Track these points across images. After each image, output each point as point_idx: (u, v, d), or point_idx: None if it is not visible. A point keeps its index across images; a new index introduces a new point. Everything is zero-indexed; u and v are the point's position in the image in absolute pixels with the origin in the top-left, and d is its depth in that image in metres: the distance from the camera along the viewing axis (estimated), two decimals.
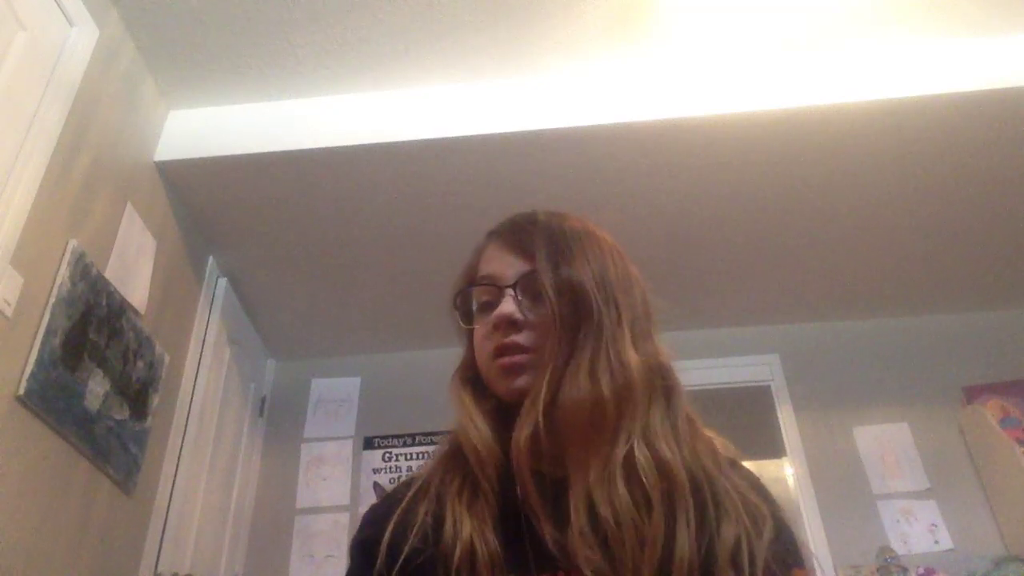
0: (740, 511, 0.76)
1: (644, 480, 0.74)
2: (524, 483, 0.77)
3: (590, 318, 0.83)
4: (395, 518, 0.82)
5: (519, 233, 0.92)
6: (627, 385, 0.79)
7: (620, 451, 0.76)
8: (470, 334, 0.92)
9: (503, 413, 0.85)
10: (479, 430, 0.83)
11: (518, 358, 0.84)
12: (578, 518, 0.73)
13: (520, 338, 0.84)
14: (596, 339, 0.82)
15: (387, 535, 0.80)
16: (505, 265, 0.89)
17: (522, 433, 0.78)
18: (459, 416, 0.87)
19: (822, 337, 3.47)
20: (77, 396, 1.96)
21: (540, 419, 0.78)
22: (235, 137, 2.55)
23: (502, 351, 0.84)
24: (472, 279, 0.94)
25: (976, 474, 3.05)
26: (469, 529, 0.76)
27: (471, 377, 0.90)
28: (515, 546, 0.76)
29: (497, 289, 0.88)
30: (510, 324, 0.84)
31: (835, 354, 3.42)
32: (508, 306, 0.85)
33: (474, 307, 0.92)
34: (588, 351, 0.81)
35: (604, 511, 0.72)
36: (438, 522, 0.79)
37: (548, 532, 0.74)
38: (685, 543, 0.71)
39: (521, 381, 0.83)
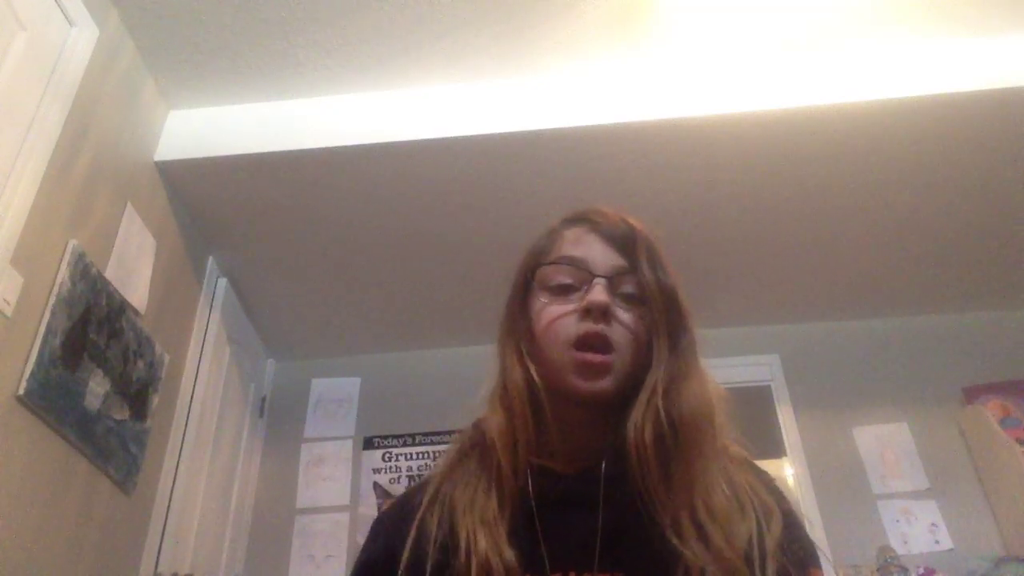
0: (756, 508, 0.78)
1: (730, 490, 0.78)
2: (651, 480, 0.76)
3: (687, 329, 0.85)
4: (413, 532, 0.81)
5: (614, 226, 0.89)
6: (721, 399, 0.84)
7: (718, 460, 0.80)
8: (528, 306, 0.89)
9: (538, 397, 0.83)
10: (524, 411, 0.82)
11: (604, 358, 0.81)
12: (693, 513, 0.75)
13: (608, 332, 0.82)
14: (693, 351, 0.85)
15: (406, 552, 0.80)
16: (597, 254, 0.87)
17: (646, 430, 0.77)
18: (508, 384, 0.85)
19: (822, 337, 3.47)
20: (77, 396, 1.96)
21: (663, 418, 0.78)
22: (235, 137, 2.55)
23: (587, 343, 0.81)
24: (546, 258, 0.90)
25: (976, 474, 3.05)
26: (484, 545, 0.75)
27: (527, 351, 0.86)
28: (531, 547, 0.77)
29: (586, 274, 0.85)
30: (603, 313, 0.82)
31: (835, 354, 3.42)
32: (604, 295, 0.82)
33: (547, 285, 0.88)
34: (690, 360, 0.83)
35: (720, 516, 0.75)
36: (452, 533, 0.78)
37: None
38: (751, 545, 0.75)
39: (604, 384, 0.81)
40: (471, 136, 2.50)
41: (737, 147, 2.55)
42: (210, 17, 2.29)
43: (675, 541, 0.73)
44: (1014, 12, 2.41)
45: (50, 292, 1.89)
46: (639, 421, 0.78)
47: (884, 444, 3.18)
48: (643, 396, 0.80)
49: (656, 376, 0.80)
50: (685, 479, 0.76)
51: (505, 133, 2.50)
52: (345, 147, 2.51)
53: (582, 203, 0.96)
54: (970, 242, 3.03)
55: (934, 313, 3.46)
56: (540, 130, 2.49)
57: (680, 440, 0.78)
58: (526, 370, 0.84)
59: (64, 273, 1.94)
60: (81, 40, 2.09)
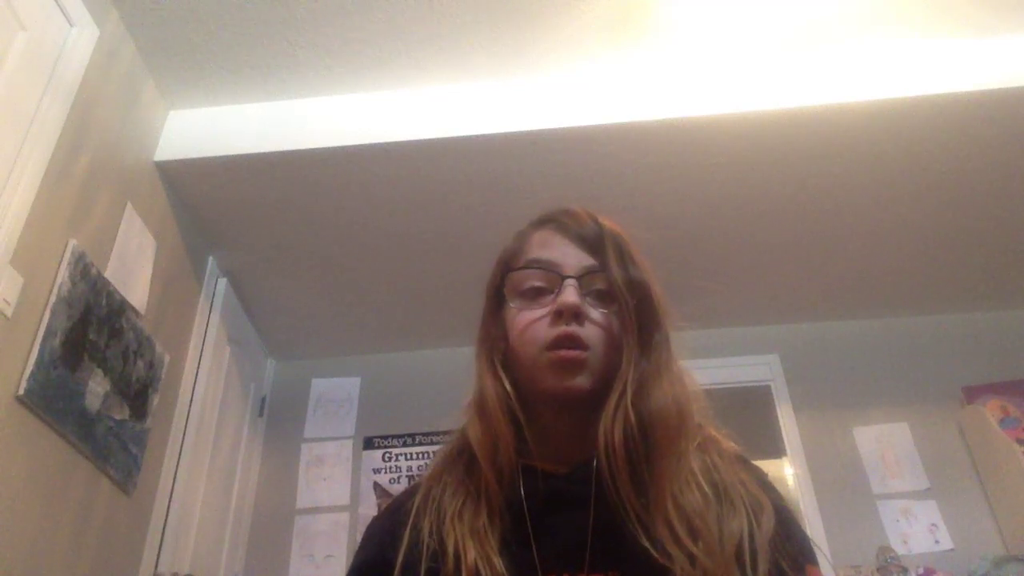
0: (746, 504, 0.77)
1: (706, 487, 0.77)
2: (621, 481, 0.75)
3: (659, 325, 0.84)
4: (405, 538, 0.81)
5: (582, 226, 0.88)
6: (696, 395, 0.83)
7: (691, 457, 0.79)
8: (501, 314, 0.88)
9: (512, 406, 0.83)
10: (499, 420, 0.81)
11: (578, 353, 0.80)
12: (665, 514, 0.73)
13: (581, 332, 0.81)
14: (667, 348, 0.83)
15: (400, 559, 0.80)
16: (566, 254, 0.86)
17: (615, 431, 0.76)
18: (482, 395, 0.84)
19: (822, 337, 3.47)
20: (77, 396, 1.96)
21: (633, 418, 0.77)
22: (235, 137, 2.55)
23: (560, 342, 0.80)
24: (515, 263, 0.89)
25: (976, 474, 3.05)
26: (474, 555, 0.75)
27: (501, 360, 0.86)
28: (521, 552, 0.76)
29: (556, 277, 0.84)
30: (575, 315, 0.81)
31: (835, 354, 3.42)
32: (574, 296, 0.81)
33: (519, 290, 0.87)
34: (662, 357, 0.82)
35: (692, 516, 0.74)
36: (442, 540, 0.78)
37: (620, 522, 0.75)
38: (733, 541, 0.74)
39: (578, 380, 0.80)
40: (471, 136, 2.50)
41: (737, 147, 2.55)
42: (210, 17, 2.29)
43: (647, 544, 0.72)
44: (1014, 12, 2.41)
45: (50, 292, 1.89)
46: (609, 422, 0.77)
47: (884, 444, 3.18)
48: (613, 396, 0.79)
49: (626, 375, 0.79)
50: (654, 479, 0.75)
51: (505, 133, 2.50)
52: (345, 147, 2.51)
53: (576, 203, 0.96)
54: (970, 242, 3.03)
55: (934, 313, 3.46)
56: (540, 130, 2.49)
57: (650, 440, 0.77)
58: (500, 380, 0.84)
59: (64, 273, 1.93)
60: (81, 40, 2.08)
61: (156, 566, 2.33)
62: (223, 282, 2.97)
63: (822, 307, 3.42)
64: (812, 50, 2.49)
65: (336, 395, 3.50)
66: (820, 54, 2.50)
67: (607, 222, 0.91)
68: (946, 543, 2.93)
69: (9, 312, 1.74)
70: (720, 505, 0.76)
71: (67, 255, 1.96)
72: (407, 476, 3.27)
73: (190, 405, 2.64)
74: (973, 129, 2.50)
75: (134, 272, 2.31)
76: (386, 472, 3.29)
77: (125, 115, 2.34)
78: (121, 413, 2.17)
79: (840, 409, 3.28)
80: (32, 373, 1.78)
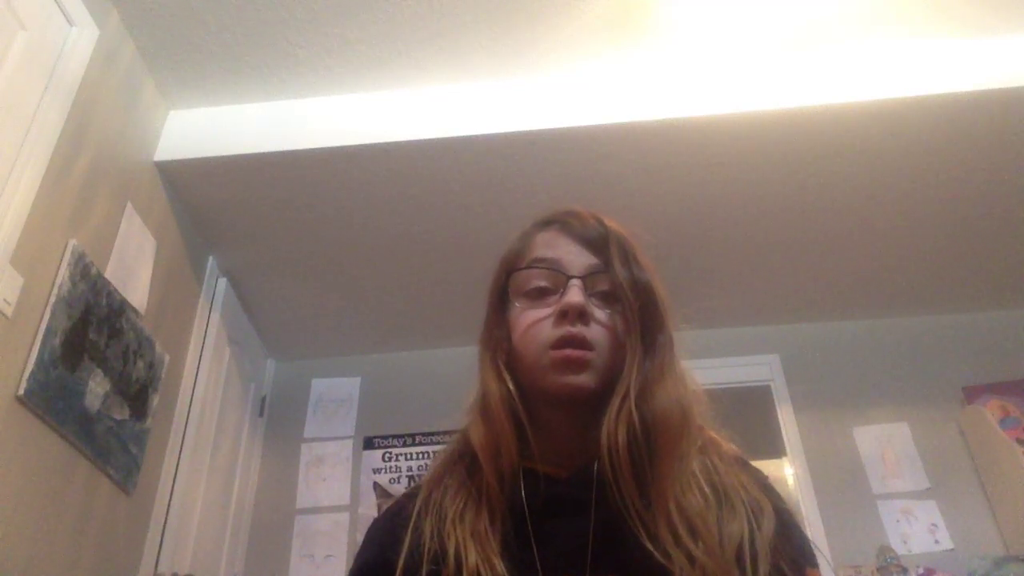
0: (746, 507, 0.76)
1: (706, 489, 0.77)
2: (624, 482, 0.75)
3: (663, 326, 0.84)
4: (406, 540, 0.81)
5: (586, 226, 0.88)
6: (698, 397, 0.83)
7: (693, 459, 0.78)
8: (505, 314, 0.88)
9: (515, 407, 0.83)
10: (502, 423, 0.81)
11: (583, 352, 0.80)
12: (667, 516, 0.73)
13: (586, 332, 0.81)
14: (670, 349, 0.83)
15: (401, 561, 0.79)
16: (570, 254, 0.86)
17: (619, 433, 0.76)
18: (486, 396, 0.84)
19: (822, 337, 3.47)
20: (77, 396, 1.96)
21: (636, 420, 0.76)
22: (235, 137, 2.55)
23: (565, 343, 0.80)
24: (519, 263, 0.89)
25: (976, 474, 3.05)
26: (475, 557, 0.75)
27: (504, 361, 0.86)
28: (523, 555, 0.76)
29: (560, 277, 0.84)
30: (580, 315, 0.81)
31: (835, 354, 3.42)
32: (579, 296, 0.81)
33: (523, 290, 0.87)
34: (666, 358, 0.82)
35: (693, 517, 0.74)
36: (443, 543, 0.78)
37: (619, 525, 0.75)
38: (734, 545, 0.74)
39: (582, 378, 0.80)
40: (471, 136, 2.50)
41: (737, 147, 2.55)
42: (210, 17, 2.29)
43: (649, 545, 0.72)
44: (1014, 12, 2.41)
45: (50, 292, 1.89)
46: (612, 423, 0.77)
47: (884, 444, 3.18)
48: (617, 397, 0.78)
49: (630, 376, 0.79)
50: (656, 480, 0.75)
51: (505, 133, 2.50)
52: (345, 147, 2.51)
53: (577, 204, 0.96)
54: (970, 242, 3.03)
55: (934, 313, 3.46)
56: (540, 130, 2.49)
57: (652, 443, 0.77)
58: (503, 382, 0.84)
59: (64, 273, 1.93)
60: (81, 40, 2.08)
61: (156, 566, 2.33)
62: (223, 282, 2.97)
63: (822, 307, 3.42)
64: (812, 50, 2.49)
65: (336, 395, 3.50)
66: (820, 54, 2.50)
67: (611, 223, 0.90)
68: (946, 543, 2.93)
69: (9, 312, 1.74)
70: (720, 507, 0.76)
71: (67, 255, 1.96)
72: (407, 476, 3.27)
73: (190, 405, 2.65)
74: (973, 129, 2.50)
75: (134, 272, 2.31)
76: (386, 472, 3.29)
77: (125, 115, 2.34)
78: (121, 413, 2.17)
79: (840, 409, 3.28)
80: (32, 373, 1.78)
